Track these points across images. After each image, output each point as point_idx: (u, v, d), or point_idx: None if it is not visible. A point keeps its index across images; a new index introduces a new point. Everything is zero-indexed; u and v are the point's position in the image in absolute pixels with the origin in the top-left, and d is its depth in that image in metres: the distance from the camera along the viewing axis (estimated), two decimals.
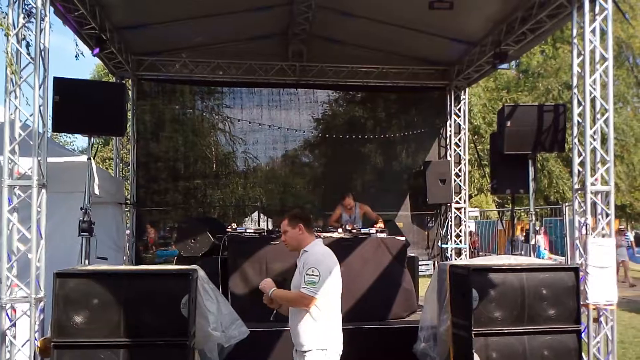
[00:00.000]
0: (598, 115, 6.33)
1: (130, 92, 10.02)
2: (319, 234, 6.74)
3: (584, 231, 6.19)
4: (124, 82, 9.90)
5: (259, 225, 10.98)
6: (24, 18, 5.35)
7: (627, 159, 25.72)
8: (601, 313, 6.06)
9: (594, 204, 6.21)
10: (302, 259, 3.92)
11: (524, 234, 10.03)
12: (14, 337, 5.13)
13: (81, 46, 8.12)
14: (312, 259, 3.81)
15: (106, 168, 18.86)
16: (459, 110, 11.15)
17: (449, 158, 11.03)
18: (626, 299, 12.51)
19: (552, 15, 7.44)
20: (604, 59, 6.32)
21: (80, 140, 32.52)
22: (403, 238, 7.64)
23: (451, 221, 10.89)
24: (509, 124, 7.53)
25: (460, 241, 10.93)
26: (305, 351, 3.80)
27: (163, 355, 4.32)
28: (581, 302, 5.31)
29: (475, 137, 21.07)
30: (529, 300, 5.01)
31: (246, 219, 11.48)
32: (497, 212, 26.01)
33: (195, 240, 7.62)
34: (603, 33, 6.36)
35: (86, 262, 6.61)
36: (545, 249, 16.55)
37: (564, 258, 11.21)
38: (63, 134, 23.89)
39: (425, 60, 10.76)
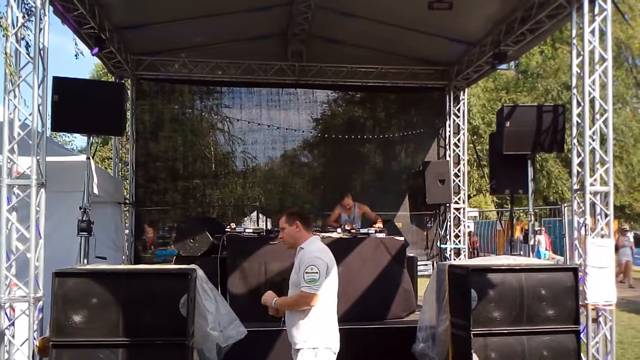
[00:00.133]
0: (597, 116, 6.34)
1: (129, 92, 10.03)
2: (318, 233, 6.75)
3: (582, 231, 6.19)
4: (123, 81, 9.89)
5: (258, 225, 10.98)
6: (23, 17, 5.35)
7: (626, 159, 25.74)
8: (600, 313, 6.07)
9: (593, 205, 6.21)
10: (298, 257, 3.91)
11: (523, 234, 10.05)
12: (13, 337, 5.13)
13: (80, 46, 8.12)
14: (308, 257, 3.80)
15: (105, 168, 18.86)
16: (458, 110, 11.15)
17: (448, 158, 11.04)
18: (625, 300, 12.53)
19: (551, 16, 7.45)
20: (603, 59, 6.33)
21: (78, 140, 32.44)
22: (402, 238, 7.64)
23: (450, 221, 10.90)
24: (508, 124, 7.54)
25: (459, 241, 10.94)
26: (298, 349, 3.81)
27: (162, 354, 4.31)
28: (580, 303, 5.32)
29: (475, 137, 21.08)
30: (528, 301, 5.01)
31: (245, 218, 11.48)
32: (496, 212, 26.00)
33: (194, 240, 7.62)
34: (602, 34, 6.36)
35: (85, 261, 6.61)
36: (547, 249, 16.60)
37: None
38: (61, 133, 23.87)
39: (425, 61, 10.77)
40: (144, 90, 10.54)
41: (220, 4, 8.25)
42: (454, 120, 11.13)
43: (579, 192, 6.34)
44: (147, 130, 10.59)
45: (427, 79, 11.06)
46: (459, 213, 11.05)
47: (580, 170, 6.32)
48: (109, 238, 8.30)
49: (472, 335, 4.91)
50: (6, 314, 5.12)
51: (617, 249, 16.82)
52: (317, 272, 3.71)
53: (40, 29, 5.34)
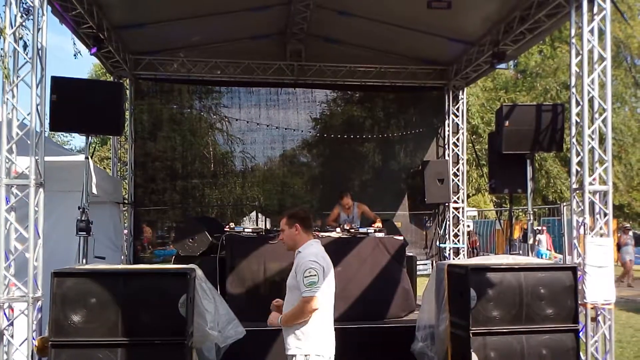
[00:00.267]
0: (596, 115, 6.34)
1: (127, 92, 10.01)
2: (317, 233, 6.74)
3: (582, 231, 6.19)
4: (121, 81, 9.89)
5: (257, 225, 10.97)
6: (21, 17, 5.34)
7: (625, 158, 25.76)
8: (599, 312, 6.06)
9: (592, 204, 6.21)
10: (296, 260, 3.89)
11: (522, 233, 10.05)
12: (12, 337, 5.12)
13: (79, 45, 8.11)
14: (303, 262, 3.76)
15: (104, 167, 18.83)
16: (457, 109, 11.15)
17: (447, 158, 11.04)
18: (624, 299, 12.54)
19: (550, 15, 7.45)
20: (602, 58, 6.33)
21: (77, 140, 32.56)
22: (401, 237, 7.64)
23: (449, 221, 10.90)
24: (507, 123, 7.53)
25: (459, 241, 10.94)
26: (290, 355, 3.79)
27: (161, 354, 4.31)
28: (579, 302, 5.32)
29: (474, 136, 21.07)
30: (527, 300, 5.01)
31: (244, 218, 11.47)
32: (495, 211, 26.00)
33: (193, 239, 7.62)
34: (601, 33, 6.36)
35: (84, 261, 6.60)
36: (549, 249, 16.58)
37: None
38: (60, 133, 23.86)
39: (424, 60, 10.77)
40: (142, 89, 10.54)
41: (218, 3, 8.25)
42: (453, 120, 11.14)
43: (578, 191, 6.34)
44: (145, 130, 10.59)
45: (426, 79, 11.06)
46: (458, 212, 11.05)
47: (579, 169, 6.32)
48: (107, 238, 8.29)
49: (471, 335, 4.91)
50: (5, 313, 5.11)
51: (619, 247, 16.86)
52: (315, 275, 3.68)
53: (38, 29, 5.33)
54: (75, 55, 8.02)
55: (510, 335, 5.00)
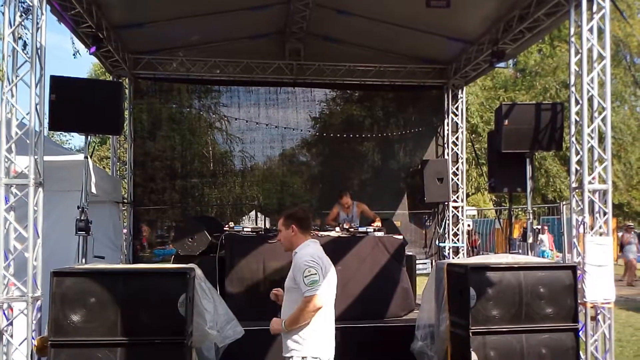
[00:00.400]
0: (595, 114, 6.33)
1: (127, 91, 10.01)
2: (316, 232, 6.74)
3: (581, 230, 6.19)
4: (120, 80, 9.88)
5: (256, 224, 10.97)
6: (20, 16, 5.34)
7: (625, 157, 25.79)
8: (599, 311, 6.06)
9: (591, 203, 6.21)
10: (293, 261, 3.85)
11: (522, 232, 10.05)
12: (11, 336, 5.12)
13: (78, 45, 8.12)
14: (300, 262, 3.73)
15: (103, 167, 18.83)
16: (457, 108, 11.15)
17: (446, 157, 11.04)
18: (624, 298, 12.55)
19: (549, 14, 7.45)
20: (601, 57, 6.32)
21: (76, 139, 32.50)
22: (401, 237, 7.63)
23: (449, 220, 10.90)
24: (506, 122, 7.53)
25: (458, 240, 10.95)
26: (287, 357, 3.77)
27: (161, 354, 4.31)
28: (579, 301, 5.32)
29: (473, 135, 21.09)
30: (527, 299, 5.01)
31: (244, 218, 11.47)
32: (494, 210, 26.01)
33: (192, 239, 7.61)
34: (601, 32, 6.36)
35: (83, 261, 6.59)
36: (551, 249, 16.57)
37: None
38: (59, 132, 23.84)
39: (423, 59, 10.77)
40: (141, 89, 10.53)
41: (217, 2, 8.24)
42: (453, 119, 11.14)
43: (577, 190, 6.33)
44: (145, 129, 10.58)
45: (425, 78, 11.06)
46: (458, 211, 11.05)
47: (578, 168, 6.31)
48: (107, 237, 8.28)
49: (470, 334, 4.91)
50: (4, 313, 5.11)
51: (622, 246, 16.86)
52: (315, 274, 3.64)
53: (37, 28, 5.33)
54: (74, 54, 8.04)
55: (510, 335, 4.99)
